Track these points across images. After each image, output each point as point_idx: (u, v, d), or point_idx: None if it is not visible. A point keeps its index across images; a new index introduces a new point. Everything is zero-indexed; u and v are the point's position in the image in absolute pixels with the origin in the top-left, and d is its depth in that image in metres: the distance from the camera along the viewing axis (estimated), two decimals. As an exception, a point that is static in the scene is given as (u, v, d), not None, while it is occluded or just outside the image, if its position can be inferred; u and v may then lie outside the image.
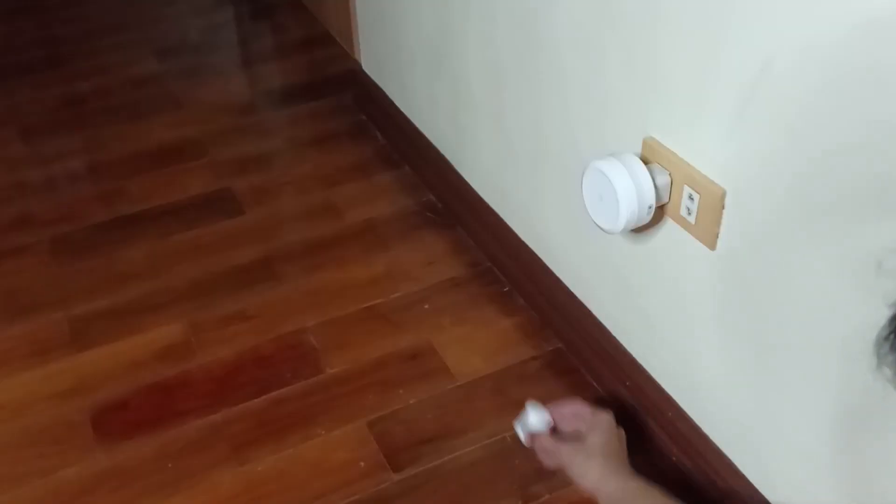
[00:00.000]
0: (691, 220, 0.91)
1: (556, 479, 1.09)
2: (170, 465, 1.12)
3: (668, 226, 0.97)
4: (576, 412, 1.02)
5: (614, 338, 1.16)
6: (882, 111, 0.67)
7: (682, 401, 1.07)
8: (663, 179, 0.92)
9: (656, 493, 0.90)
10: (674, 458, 1.09)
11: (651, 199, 0.91)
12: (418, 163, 1.62)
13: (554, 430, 1.03)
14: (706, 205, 0.88)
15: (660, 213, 0.96)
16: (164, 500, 1.08)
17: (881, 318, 0.74)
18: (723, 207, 0.87)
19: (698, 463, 1.05)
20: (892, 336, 0.49)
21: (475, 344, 1.28)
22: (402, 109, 1.64)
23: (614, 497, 0.92)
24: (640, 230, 1.00)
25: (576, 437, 0.99)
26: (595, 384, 1.21)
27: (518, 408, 1.18)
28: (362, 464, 1.12)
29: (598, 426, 0.98)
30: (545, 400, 1.19)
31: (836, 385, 0.81)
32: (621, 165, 0.91)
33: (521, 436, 1.05)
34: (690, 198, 0.90)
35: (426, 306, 1.34)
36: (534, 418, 1.03)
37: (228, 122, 1.81)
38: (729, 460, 1.01)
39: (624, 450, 0.97)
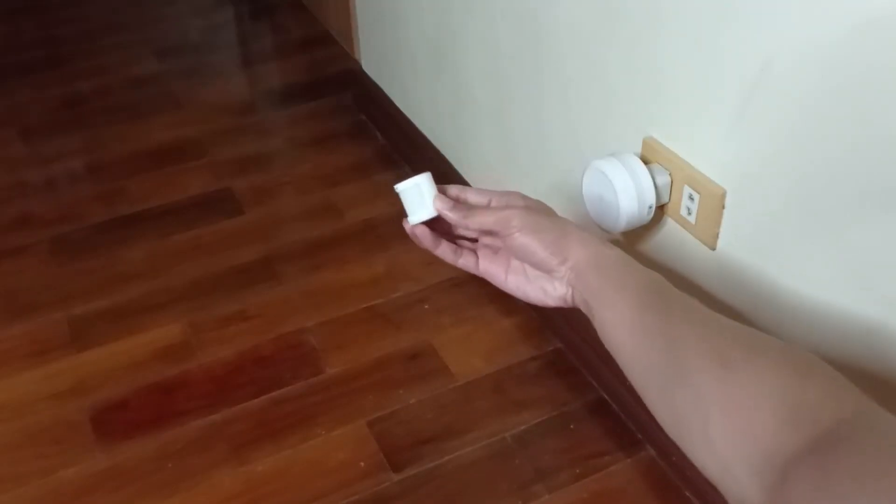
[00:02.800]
0: (691, 220, 0.91)
1: (556, 478, 1.09)
2: (170, 465, 1.12)
3: (669, 226, 0.97)
4: (459, 195, 0.76)
5: (614, 338, 1.16)
6: (882, 111, 0.67)
7: (682, 401, 1.07)
8: (663, 179, 0.92)
9: (654, 273, 0.68)
10: (674, 458, 1.09)
11: (651, 199, 0.91)
12: (418, 163, 1.62)
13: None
14: (706, 205, 0.88)
15: (660, 212, 0.96)
16: (164, 500, 1.08)
17: (882, 318, 0.74)
18: (723, 207, 0.87)
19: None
20: None
21: (475, 344, 1.28)
22: (402, 109, 1.64)
23: (597, 267, 0.67)
24: (640, 230, 1.00)
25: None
26: (595, 384, 1.21)
27: (518, 407, 1.18)
28: (362, 464, 1.12)
29: (525, 198, 0.74)
30: (545, 400, 1.19)
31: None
32: (621, 165, 0.91)
33: (426, 214, 0.75)
34: (690, 198, 0.90)
35: (426, 306, 1.34)
36: (429, 189, 0.74)
37: (228, 122, 1.81)
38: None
39: None
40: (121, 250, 1.47)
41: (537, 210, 0.72)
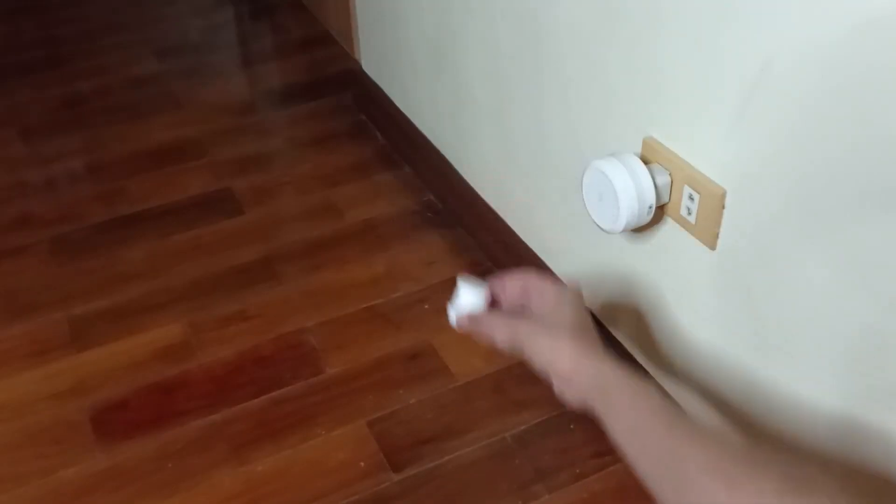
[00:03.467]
0: (691, 220, 0.91)
1: (556, 478, 1.09)
2: (170, 465, 1.12)
3: (668, 226, 0.97)
4: (527, 285, 0.82)
5: (614, 337, 1.16)
6: (882, 111, 0.67)
7: (683, 400, 1.07)
8: (663, 179, 0.92)
9: (650, 386, 0.71)
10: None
11: (651, 199, 0.91)
12: (418, 163, 1.62)
13: (493, 306, 0.84)
14: (706, 205, 0.88)
15: (660, 213, 0.96)
16: (164, 500, 1.08)
17: (881, 318, 0.74)
18: (723, 207, 0.87)
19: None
20: None
21: (475, 344, 1.27)
22: (402, 109, 1.64)
23: (593, 385, 0.72)
24: (640, 230, 1.00)
25: (526, 314, 0.80)
26: (595, 384, 1.21)
27: (518, 407, 1.18)
28: (362, 464, 1.12)
29: (564, 299, 0.78)
30: (546, 400, 1.19)
31: (837, 384, 0.82)
32: (621, 165, 0.91)
33: (452, 318, 0.84)
34: (690, 198, 0.90)
35: (426, 306, 1.34)
36: (467, 296, 0.82)
37: (228, 122, 1.81)
38: (729, 460, 1.01)
39: (595, 330, 0.78)
40: (121, 250, 1.47)
41: (544, 321, 0.77)
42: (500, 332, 0.79)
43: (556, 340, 0.75)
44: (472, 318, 0.81)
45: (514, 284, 0.82)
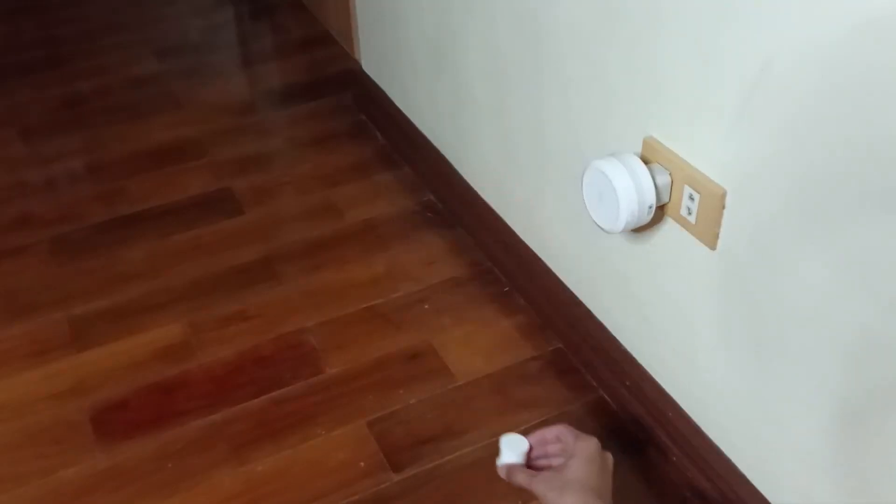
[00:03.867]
0: (691, 219, 0.91)
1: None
2: (170, 465, 1.12)
3: (669, 226, 0.97)
4: (559, 435, 0.94)
5: (614, 337, 1.17)
6: (881, 111, 0.67)
7: (682, 401, 1.07)
8: (663, 179, 0.92)
9: None
10: (674, 459, 1.09)
11: (651, 199, 0.91)
12: (418, 163, 1.62)
13: (529, 459, 0.94)
14: (706, 205, 0.88)
15: (660, 212, 0.96)
16: (164, 500, 1.08)
17: (881, 318, 0.74)
18: (723, 207, 0.87)
19: (698, 463, 1.05)
20: None
21: (475, 344, 1.28)
22: (402, 109, 1.64)
23: None
24: (640, 230, 1.00)
25: (558, 463, 0.91)
26: (595, 384, 1.21)
27: (518, 407, 1.18)
28: (362, 464, 1.12)
29: (580, 454, 0.89)
30: (546, 399, 1.19)
31: (836, 384, 0.82)
32: (621, 165, 0.91)
33: (497, 466, 0.95)
34: (691, 198, 0.90)
35: (426, 306, 1.34)
36: (506, 453, 0.93)
37: (228, 122, 1.81)
38: (728, 460, 1.01)
39: (608, 481, 0.88)
40: (121, 250, 1.47)
41: (560, 475, 0.86)
42: (524, 485, 0.90)
43: (562, 494, 0.85)
44: (508, 471, 0.93)
45: (551, 435, 0.93)
